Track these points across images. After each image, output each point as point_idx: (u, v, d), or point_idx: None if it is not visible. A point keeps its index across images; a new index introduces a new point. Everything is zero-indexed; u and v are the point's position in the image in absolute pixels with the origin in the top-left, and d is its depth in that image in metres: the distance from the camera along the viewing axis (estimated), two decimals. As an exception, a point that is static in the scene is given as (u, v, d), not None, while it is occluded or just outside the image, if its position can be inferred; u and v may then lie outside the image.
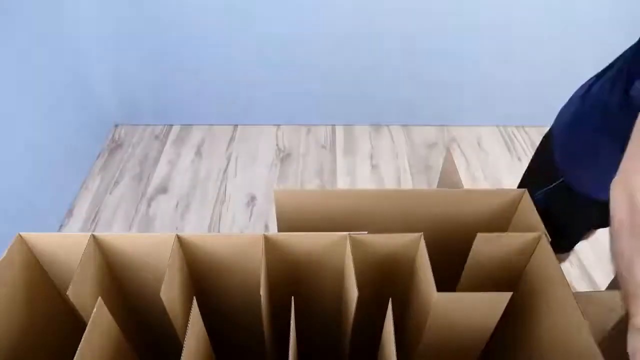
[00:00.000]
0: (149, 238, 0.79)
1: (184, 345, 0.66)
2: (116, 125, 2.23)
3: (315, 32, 1.82)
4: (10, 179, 1.54)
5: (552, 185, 0.92)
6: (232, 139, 2.14)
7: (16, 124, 1.58)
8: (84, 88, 1.98)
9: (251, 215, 1.88)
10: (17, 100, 1.58)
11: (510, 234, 0.82)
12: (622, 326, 0.77)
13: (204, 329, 0.77)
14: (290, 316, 0.77)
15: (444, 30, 1.81)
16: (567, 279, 0.73)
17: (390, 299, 0.74)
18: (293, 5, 1.71)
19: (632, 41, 0.78)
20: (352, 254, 0.77)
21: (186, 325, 0.69)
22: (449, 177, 0.98)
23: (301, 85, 2.01)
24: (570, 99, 0.91)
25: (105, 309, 0.70)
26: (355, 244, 0.80)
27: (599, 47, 1.84)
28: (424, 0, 1.72)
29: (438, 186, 1.07)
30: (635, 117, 0.58)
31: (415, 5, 1.74)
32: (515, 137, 2.06)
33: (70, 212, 1.90)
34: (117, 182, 2.01)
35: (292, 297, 0.82)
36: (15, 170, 1.58)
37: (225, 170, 2.03)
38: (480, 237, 0.80)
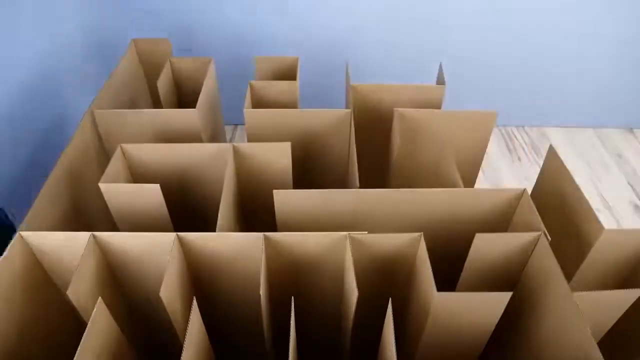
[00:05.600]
0: (149, 238, 0.79)
1: (184, 345, 0.66)
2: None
3: (310, 32, 1.83)
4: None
5: None
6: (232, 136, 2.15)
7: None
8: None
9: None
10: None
11: (510, 234, 0.82)
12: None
13: (204, 329, 0.77)
14: (290, 316, 0.77)
15: (443, 30, 1.81)
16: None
17: (390, 299, 0.74)
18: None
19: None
20: (352, 254, 0.77)
21: (186, 325, 0.69)
22: (449, 177, 0.98)
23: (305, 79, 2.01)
24: None
25: (105, 309, 0.70)
26: (355, 244, 0.80)
27: (601, 48, 1.84)
28: (421, 4, 1.73)
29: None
30: None
31: (410, 8, 1.74)
32: (515, 137, 2.06)
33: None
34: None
35: (292, 297, 0.82)
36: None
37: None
38: (479, 237, 0.80)
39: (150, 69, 1.45)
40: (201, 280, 0.87)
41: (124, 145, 0.99)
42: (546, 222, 0.82)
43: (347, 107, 1.14)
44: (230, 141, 1.92)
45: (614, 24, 1.76)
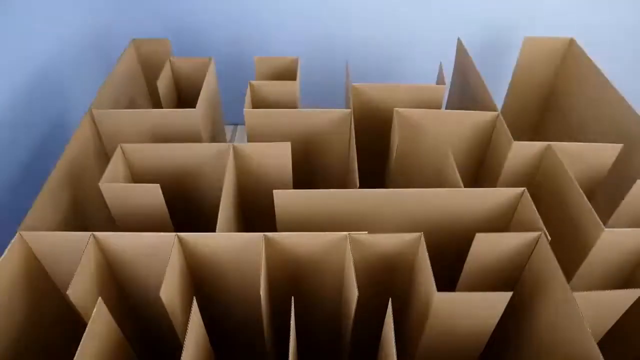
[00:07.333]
0: (149, 238, 0.79)
1: (184, 345, 0.66)
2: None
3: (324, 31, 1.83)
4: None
5: None
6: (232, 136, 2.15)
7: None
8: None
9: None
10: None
11: (510, 233, 0.82)
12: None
13: (204, 329, 0.77)
14: (290, 316, 0.77)
15: (443, 28, 1.81)
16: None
17: (390, 299, 0.74)
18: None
19: None
20: (352, 254, 0.77)
21: (186, 325, 0.69)
22: (449, 177, 0.98)
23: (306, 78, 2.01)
24: None
25: (105, 309, 0.70)
26: (355, 244, 0.80)
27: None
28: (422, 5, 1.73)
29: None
30: None
31: (410, 8, 1.74)
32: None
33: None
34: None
35: (292, 297, 0.82)
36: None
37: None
38: (479, 237, 0.80)
39: (150, 69, 1.45)
40: (201, 280, 0.87)
41: (124, 145, 0.99)
42: (546, 222, 0.82)
43: (347, 107, 1.14)
44: (230, 141, 1.92)
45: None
